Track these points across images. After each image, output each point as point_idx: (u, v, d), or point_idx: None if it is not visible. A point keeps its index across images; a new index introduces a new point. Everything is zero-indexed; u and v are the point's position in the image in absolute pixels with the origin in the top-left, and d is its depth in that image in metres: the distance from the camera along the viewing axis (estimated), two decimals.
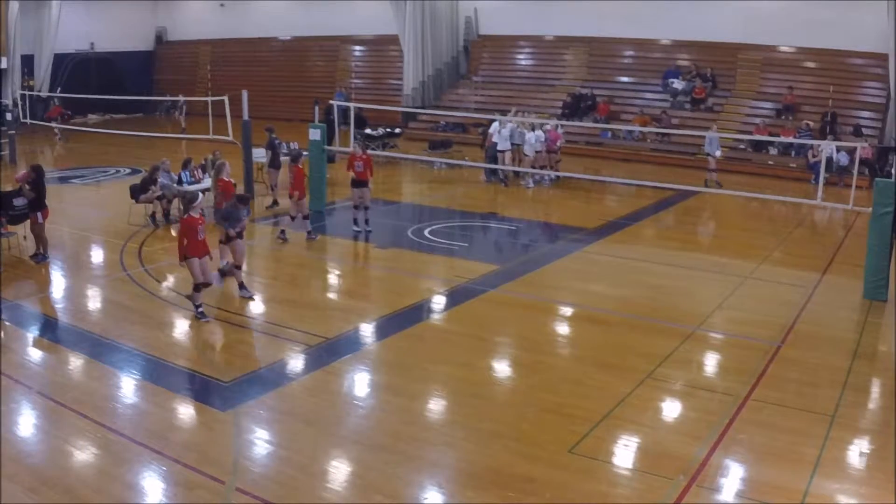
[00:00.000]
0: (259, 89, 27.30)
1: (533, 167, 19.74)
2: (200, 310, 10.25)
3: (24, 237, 13.32)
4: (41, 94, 30.25)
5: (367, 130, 23.45)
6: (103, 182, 20.34)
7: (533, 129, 19.72)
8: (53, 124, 27.63)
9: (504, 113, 22.88)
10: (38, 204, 12.86)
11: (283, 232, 14.40)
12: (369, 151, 15.90)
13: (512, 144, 19.57)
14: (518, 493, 6.45)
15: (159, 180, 15.42)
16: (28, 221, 13.08)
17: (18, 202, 13.18)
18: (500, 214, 16.78)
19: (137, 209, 15.48)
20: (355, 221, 14.92)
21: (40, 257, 12.88)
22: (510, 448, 7.16)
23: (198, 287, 10.24)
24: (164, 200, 15.52)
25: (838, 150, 18.38)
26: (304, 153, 15.61)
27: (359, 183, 14.64)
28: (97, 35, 34.14)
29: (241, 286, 11.14)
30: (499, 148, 19.33)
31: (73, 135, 27.11)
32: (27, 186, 12.86)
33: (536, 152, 19.70)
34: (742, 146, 22.92)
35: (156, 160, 16.31)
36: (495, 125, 20.55)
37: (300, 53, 34.86)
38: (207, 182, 16.06)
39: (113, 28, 34.83)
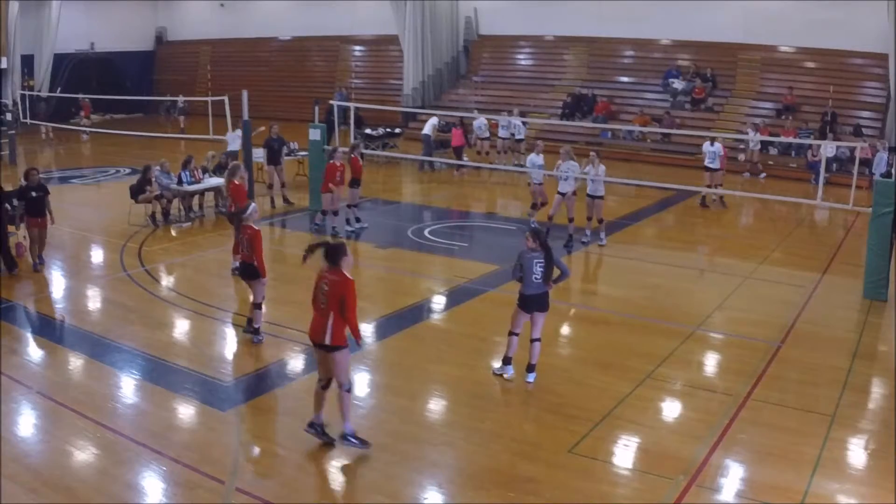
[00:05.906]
0: (259, 89, 27.31)
1: (538, 204, 15.25)
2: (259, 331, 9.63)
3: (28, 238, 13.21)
4: (41, 93, 30.21)
5: (367, 130, 23.46)
6: (103, 182, 20.34)
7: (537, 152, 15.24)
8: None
9: (510, 113, 23.00)
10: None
11: (357, 220, 15.04)
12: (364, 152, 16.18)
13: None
14: (518, 493, 6.45)
15: (154, 180, 15.40)
16: (27, 220, 13.04)
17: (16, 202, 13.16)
18: (501, 214, 16.77)
19: (137, 209, 15.47)
20: (347, 221, 15.04)
21: (35, 264, 12.38)
22: (510, 448, 7.16)
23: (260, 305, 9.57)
24: (164, 200, 15.52)
25: (838, 148, 18.30)
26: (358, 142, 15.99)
27: (350, 182, 14.83)
28: (97, 35, 34.10)
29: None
30: (535, 181, 15.35)
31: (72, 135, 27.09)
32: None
33: (538, 184, 15.22)
34: (742, 146, 22.90)
35: (154, 160, 16.31)
36: (431, 121, 22.31)
37: (300, 53, 34.83)
38: (207, 182, 16.10)
39: (113, 28, 34.77)
